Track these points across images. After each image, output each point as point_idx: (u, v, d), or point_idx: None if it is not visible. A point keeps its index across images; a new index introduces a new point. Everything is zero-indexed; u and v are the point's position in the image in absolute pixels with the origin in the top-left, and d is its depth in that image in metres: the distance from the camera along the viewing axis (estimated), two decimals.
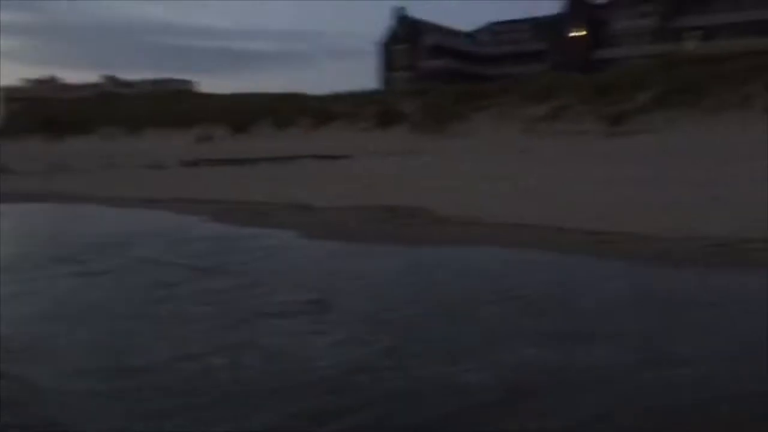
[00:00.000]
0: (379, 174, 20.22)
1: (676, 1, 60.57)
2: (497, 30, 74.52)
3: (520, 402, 4.23)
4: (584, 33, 65.58)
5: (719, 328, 5.66)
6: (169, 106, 54.60)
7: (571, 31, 66.46)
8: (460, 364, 4.84)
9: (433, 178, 17.96)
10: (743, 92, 29.21)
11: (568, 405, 4.19)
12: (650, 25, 60.71)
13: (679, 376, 4.55)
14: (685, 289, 7.06)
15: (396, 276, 8.05)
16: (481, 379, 4.57)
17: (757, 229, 8.75)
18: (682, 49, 51.44)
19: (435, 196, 13.76)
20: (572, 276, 7.75)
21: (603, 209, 11.15)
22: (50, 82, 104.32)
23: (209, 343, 5.52)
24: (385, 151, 28.65)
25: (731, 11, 57.46)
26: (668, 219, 10.01)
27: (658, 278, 7.58)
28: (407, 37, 71.61)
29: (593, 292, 6.93)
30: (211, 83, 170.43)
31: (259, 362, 5.08)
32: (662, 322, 5.85)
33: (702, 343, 5.18)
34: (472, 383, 4.51)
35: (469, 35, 75.79)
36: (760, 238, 8.35)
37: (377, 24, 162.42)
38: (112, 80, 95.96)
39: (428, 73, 66.42)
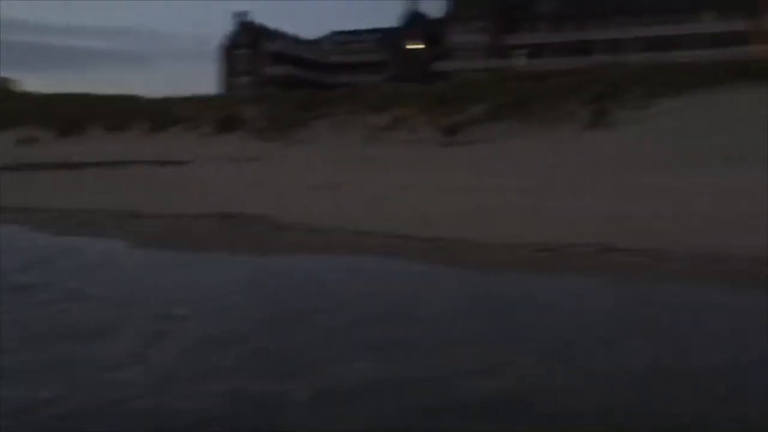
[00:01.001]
0: (219, 180, 19.62)
1: (506, 20, 64.45)
2: (340, 40, 75.35)
3: (339, 421, 4.18)
4: (422, 46, 67.93)
5: (535, 332, 5.95)
6: None
7: (410, 44, 68.63)
8: (291, 382, 4.70)
9: (275, 185, 17.68)
10: (567, 108, 31.40)
11: (388, 417, 4.21)
12: (483, 41, 64.07)
13: (491, 382, 4.70)
14: (510, 295, 7.35)
15: (232, 287, 7.72)
16: (308, 397, 4.46)
17: (579, 235, 9.36)
18: (513, 65, 54.83)
19: (277, 204, 13.52)
20: (408, 284, 7.84)
21: (438, 216, 11.45)
22: None
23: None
24: (225, 157, 27.91)
25: (553, 32, 62.35)
26: (499, 225, 10.46)
27: (486, 284, 7.83)
28: (249, 43, 70.53)
29: (425, 299, 7.05)
30: (33, 81, 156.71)
31: (60, 391, 4.54)
32: (484, 329, 6.05)
33: (514, 349, 5.41)
34: (298, 402, 4.40)
35: (312, 43, 76.01)
36: (582, 243, 8.93)
37: (219, 27, 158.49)
38: None
39: (270, 79, 65.74)
